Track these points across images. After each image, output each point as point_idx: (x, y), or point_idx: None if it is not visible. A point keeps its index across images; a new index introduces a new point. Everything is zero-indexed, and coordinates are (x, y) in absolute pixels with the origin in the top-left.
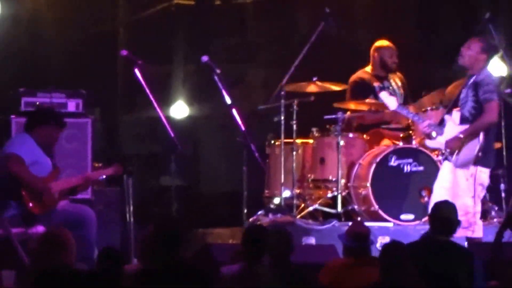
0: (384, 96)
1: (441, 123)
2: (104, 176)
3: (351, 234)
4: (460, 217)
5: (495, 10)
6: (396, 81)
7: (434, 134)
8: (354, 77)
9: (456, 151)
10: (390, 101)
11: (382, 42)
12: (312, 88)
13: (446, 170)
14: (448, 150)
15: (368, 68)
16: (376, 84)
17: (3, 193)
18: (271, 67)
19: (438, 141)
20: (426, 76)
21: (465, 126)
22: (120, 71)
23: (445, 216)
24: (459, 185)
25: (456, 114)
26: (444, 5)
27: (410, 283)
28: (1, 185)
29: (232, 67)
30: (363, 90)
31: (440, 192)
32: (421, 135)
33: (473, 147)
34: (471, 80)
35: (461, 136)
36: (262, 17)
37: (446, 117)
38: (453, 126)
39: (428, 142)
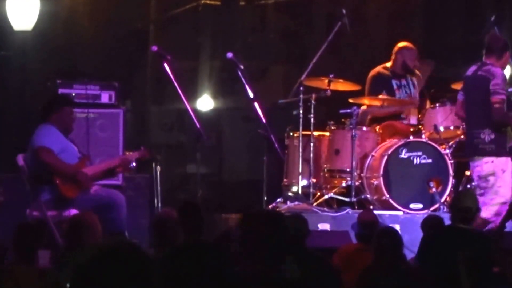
0: None
1: None
2: (134, 164)
3: (360, 221)
4: None
5: (500, 13)
6: (413, 80)
7: None
8: (373, 72)
9: None
10: None
11: (405, 44)
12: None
13: None
14: None
15: (388, 64)
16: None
17: (37, 181)
18: (289, 63)
19: None
20: (433, 75)
21: None
22: (150, 66)
23: (464, 205)
24: None
25: None
26: (450, 8)
27: (401, 265)
28: (34, 174)
29: (254, 63)
30: (381, 84)
31: None
32: (430, 130)
33: None
34: None
35: None
36: (282, 17)
37: None
38: None
39: None
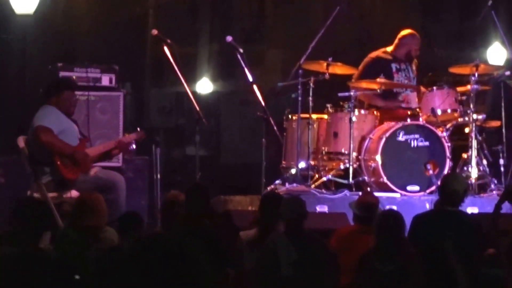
0: None
1: None
2: (134, 146)
3: (360, 203)
4: None
5: None
6: (412, 66)
7: None
8: (373, 54)
9: None
10: None
11: (409, 31)
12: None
13: None
14: None
15: (389, 49)
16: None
17: (38, 163)
18: (288, 47)
19: None
20: (429, 59)
21: None
22: (149, 49)
23: (451, 188)
24: None
25: None
26: None
27: (401, 248)
28: (35, 156)
29: (253, 47)
30: (378, 68)
31: None
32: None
33: None
34: None
35: None
36: (281, 1)
37: None
38: None
39: None
